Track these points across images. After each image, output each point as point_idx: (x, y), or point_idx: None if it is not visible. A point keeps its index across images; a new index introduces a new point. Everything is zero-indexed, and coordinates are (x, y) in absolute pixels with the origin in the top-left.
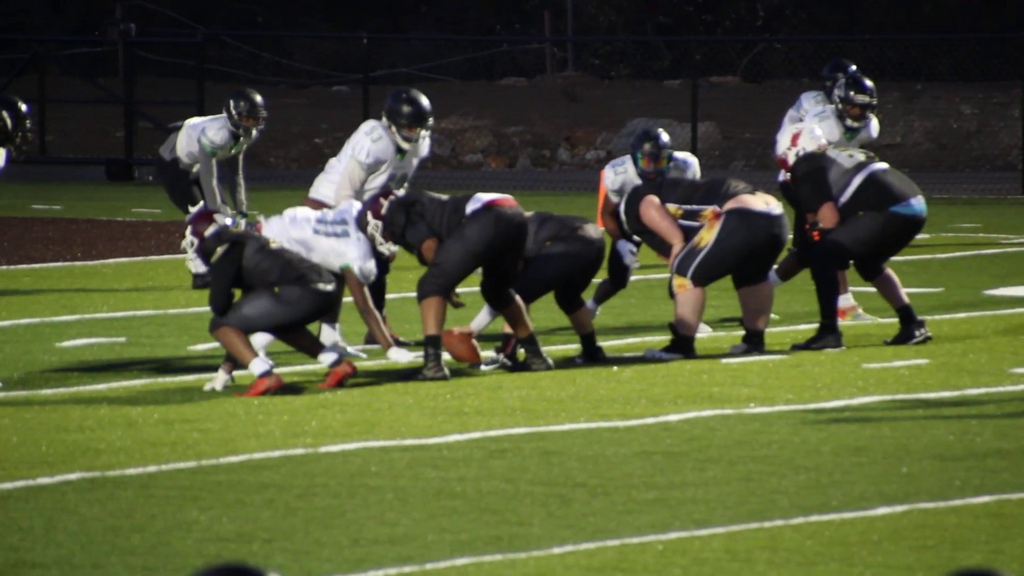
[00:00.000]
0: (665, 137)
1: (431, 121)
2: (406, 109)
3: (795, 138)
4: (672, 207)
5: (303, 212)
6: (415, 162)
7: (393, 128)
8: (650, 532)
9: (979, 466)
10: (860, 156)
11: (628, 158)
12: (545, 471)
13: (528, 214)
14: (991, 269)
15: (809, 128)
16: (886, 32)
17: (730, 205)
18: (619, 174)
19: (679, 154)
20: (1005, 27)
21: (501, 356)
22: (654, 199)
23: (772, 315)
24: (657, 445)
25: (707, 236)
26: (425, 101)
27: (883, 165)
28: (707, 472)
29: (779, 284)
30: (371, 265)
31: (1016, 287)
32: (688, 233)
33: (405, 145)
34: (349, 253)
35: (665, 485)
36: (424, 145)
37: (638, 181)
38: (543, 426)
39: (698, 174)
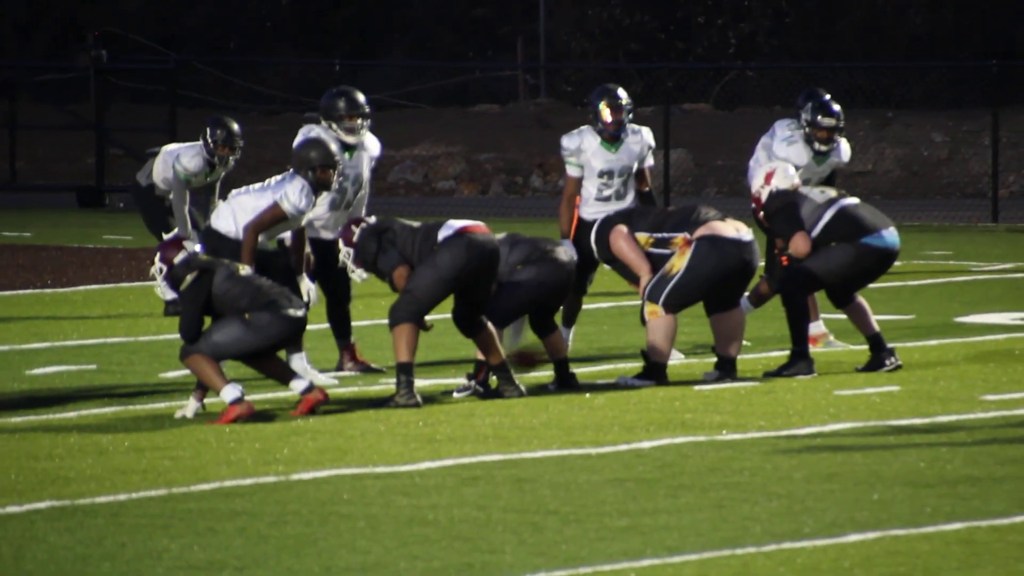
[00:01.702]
0: (622, 92)
1: (367, 109)
2: (340, 102)
3: (769, 177)
4: (643, 236)
5: (245, 188)
6: (366, 160)
7: (333, 126)
8: (623, 559)
9: (950, 493)
10: (832, 192)
11: (582, 128)
12: (517, 498)
13: (499, 236)
14: (962, 296)
15: (784, 168)
16: (857, 60)
17: (701, 232)
18: (574, 136)
19: (633, 125)
20: (975, 55)
21: (473, 383)
22: (623, 229)
23: (744, 342)
24: (629, 472)
25: (678, 263)
26: (357, 92)
27: (854, 200)
28: (679, 499)
29: (751, 311)
30: (301, 201)
31: (987, 314)
32: (659, 261)
33: (349, 139)
34: (281, 189)
35: (638, 512)
36: (373, 144)
37: (596, 140)
38: (515, 453)
39: (651, 143)
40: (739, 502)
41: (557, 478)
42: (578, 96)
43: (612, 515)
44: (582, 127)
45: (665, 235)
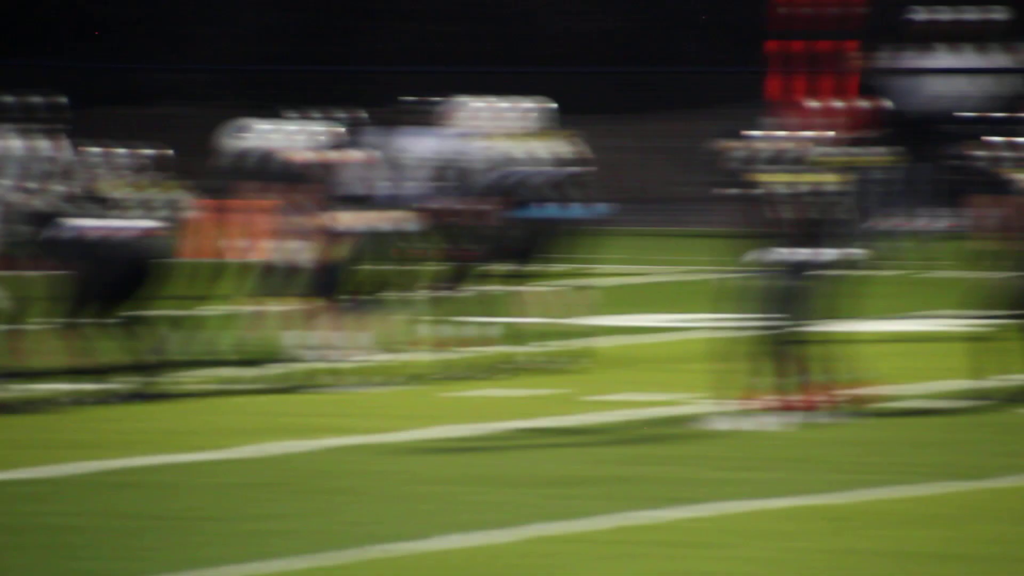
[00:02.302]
0: None
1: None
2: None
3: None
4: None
5: None
6: None
7: None
8: (235, 562)
9: (542, 493)
10: None
11: None
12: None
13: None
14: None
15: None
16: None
17: None
18: None
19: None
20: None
21: None
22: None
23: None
24: (242, 478)
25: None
26: None
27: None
28: (291, 503)
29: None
30: None
31: (595, 318)
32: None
33: None
34: None
35: (260, 516)
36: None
37: None
38: (111, 460)
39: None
40: (349, 505)
41: (168, 482)
42: None
43: (219, 520)
44: None
45: None
